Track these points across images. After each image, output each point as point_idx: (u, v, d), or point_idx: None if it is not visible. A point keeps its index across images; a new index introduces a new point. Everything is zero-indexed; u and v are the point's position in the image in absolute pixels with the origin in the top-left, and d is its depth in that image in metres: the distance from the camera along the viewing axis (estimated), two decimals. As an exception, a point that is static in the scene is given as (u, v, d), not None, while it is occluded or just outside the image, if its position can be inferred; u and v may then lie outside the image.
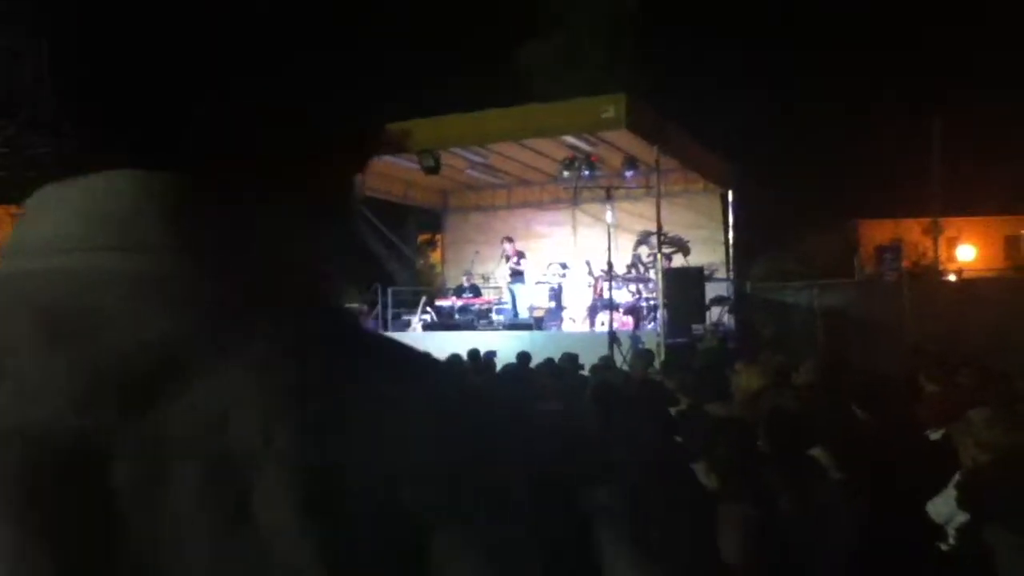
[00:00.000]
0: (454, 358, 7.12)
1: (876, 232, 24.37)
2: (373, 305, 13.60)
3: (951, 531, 2.40)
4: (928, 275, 19.42)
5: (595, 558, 0.31)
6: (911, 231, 24.42)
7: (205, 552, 0.28)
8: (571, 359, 7.21)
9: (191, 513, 0.29)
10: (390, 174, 12.88)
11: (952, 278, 18.57)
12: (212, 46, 0.35)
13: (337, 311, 0.39)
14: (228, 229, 0.36)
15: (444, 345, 8.55)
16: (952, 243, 25.73)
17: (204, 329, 0.33)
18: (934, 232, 22.70)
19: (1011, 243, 25.57)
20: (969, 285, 15.50)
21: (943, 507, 2.50)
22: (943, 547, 2.38)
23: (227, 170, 0.37)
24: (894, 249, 17.06)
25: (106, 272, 0.34)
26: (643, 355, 7.84)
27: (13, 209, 0.38)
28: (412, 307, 13.12)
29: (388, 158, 11.32)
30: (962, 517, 2.35)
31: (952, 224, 25.23)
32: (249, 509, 0.29)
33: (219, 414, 0.30)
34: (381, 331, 12.32)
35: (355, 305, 13.99)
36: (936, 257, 22.75)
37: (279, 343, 0.34)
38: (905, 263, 19.04)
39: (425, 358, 0.38)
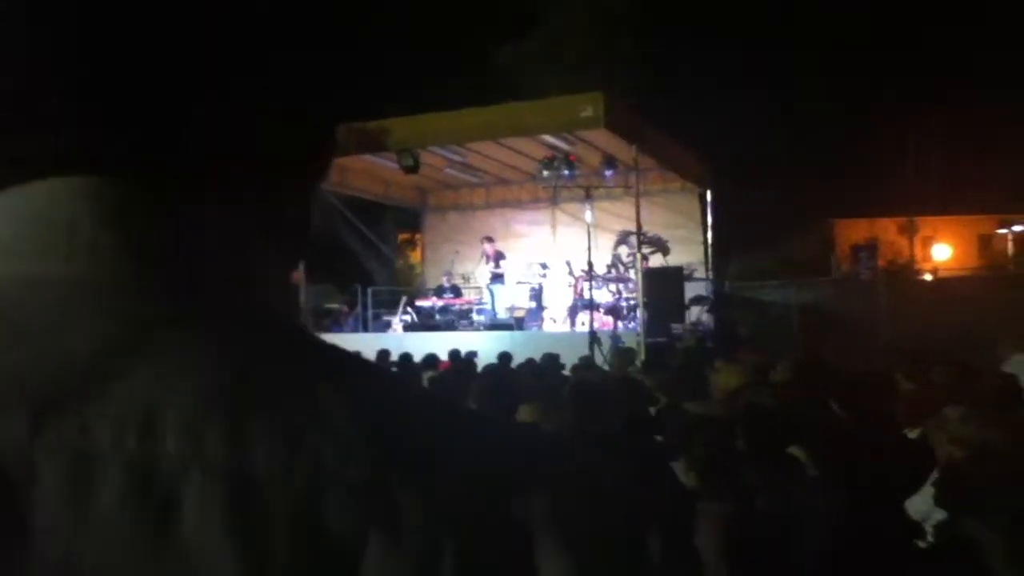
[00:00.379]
0: (429, 358, 7.12)
1: (852, 231, 24.63)
2: (353, 306, 13.55)
3: (929, 528, 2.41)
4: (904, 274, 19.69)
5: (534, 569, 0.30)
6: (887, 230, 24.73)
7: (129, 561, 0.28)
8: (552, 359, 7.23)
9: (116, 521, 0.28)
10: (369, 172, 12.86)
11: (927, 277, 18.83)
12: (212, 47, 0.35)
13: (281, 318, 0.39)
14: (172, 235, 0.36)
15: (425, 346, 8.53)
16: (927, 242, 26.07)
17: (137, 335, 0.32)
18: (909, 231, 23.01)
19: (985, 242, 25.92)
20: (944, 284, 15.76)
21: (921, 505, 2.52)
22: (921, 544, 2.39)
23: (198, 174, 0.37)
24: (870, 248, 17.27)
25: (44, 277, 0.34)
26: (623, 354, 7.87)
27: None
28: (392, 307, 13.09)
29: (367, 157, 11.30)
30: (939, 514, 2.36)
31: (927, 223, 25.58)
32: (175, 517, 0.28)
33: (146, 420, 0.30)
34: (361, 331, 12.34)
35: (335, 305, 13.95)
36: (912, 256, 23.07)
37: (213, 350, 0.33)
38: (881, 262, 19.27)
39: (366, 366, 0.38)
